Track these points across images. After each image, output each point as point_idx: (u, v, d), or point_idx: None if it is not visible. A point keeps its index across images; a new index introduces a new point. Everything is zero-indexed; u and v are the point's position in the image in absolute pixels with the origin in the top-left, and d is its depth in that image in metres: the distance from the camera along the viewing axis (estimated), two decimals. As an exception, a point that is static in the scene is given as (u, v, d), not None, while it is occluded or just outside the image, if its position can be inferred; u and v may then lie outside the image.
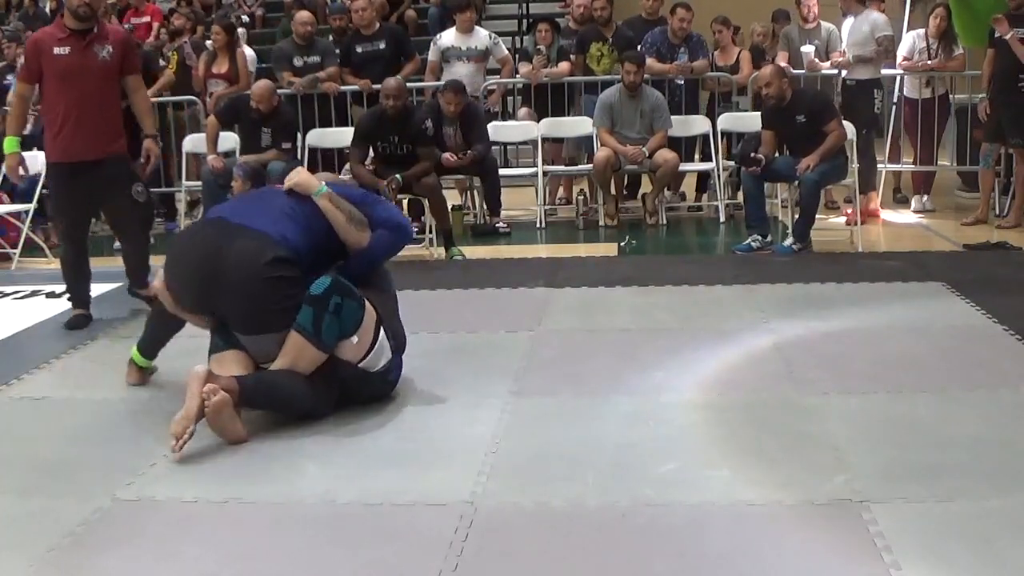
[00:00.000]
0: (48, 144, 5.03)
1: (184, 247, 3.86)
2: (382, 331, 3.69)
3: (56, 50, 4.91)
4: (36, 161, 7.86)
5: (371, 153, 7.31)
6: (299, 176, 3.86)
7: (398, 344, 3.83)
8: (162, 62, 8.57)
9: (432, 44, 8.58)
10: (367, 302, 3.64)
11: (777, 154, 6.85)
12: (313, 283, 3.53)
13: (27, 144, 8.15)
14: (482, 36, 8.48)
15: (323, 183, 3.83)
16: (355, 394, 3.70)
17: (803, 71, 7.93)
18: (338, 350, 3.59)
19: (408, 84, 7.59)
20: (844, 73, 7.98)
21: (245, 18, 11.82)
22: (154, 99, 8.17)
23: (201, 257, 3.63)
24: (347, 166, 7.83)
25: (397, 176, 7.07)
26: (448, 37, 8.47)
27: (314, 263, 3.67)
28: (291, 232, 3.66)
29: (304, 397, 3.57)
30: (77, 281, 5.18)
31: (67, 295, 5.25)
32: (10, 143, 5.02)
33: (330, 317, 3.50)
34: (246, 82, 8.41)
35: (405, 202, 7.89)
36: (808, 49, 7.97)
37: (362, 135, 7.26)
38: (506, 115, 8.92)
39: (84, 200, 5.11)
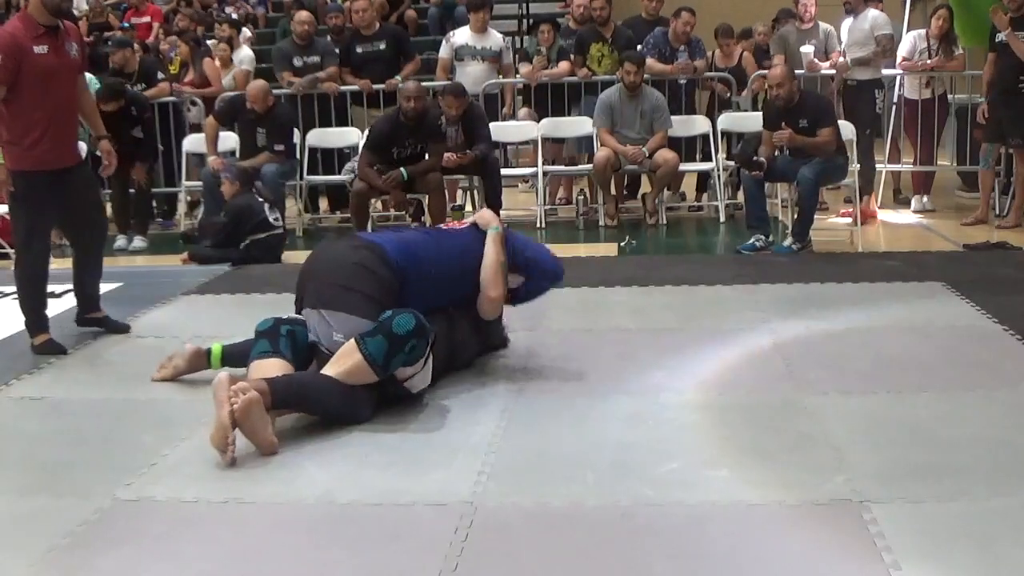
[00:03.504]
0: (20, 152, 4.48)
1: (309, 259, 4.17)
2: (430, 360, 3.72)
3: (36, 49, 4.42)
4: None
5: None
6: (486, 214, 4.28)
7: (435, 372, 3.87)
8: (160, 74, 8.59)
9: (444, 41, 8.59)
10: (430, 338, 3.66)
11: (776, 153, 6.85)
12: (399, 318, 3.53)
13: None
14: (496, 38, 8.51)
15: (498, 225, 4.18)
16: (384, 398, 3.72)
17: (802, 71, 7.92)
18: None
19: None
20: (845, 73, 7.97)
21: (234, 16, 11.82)
22: (155, 99, 8.23)
23: (314, 257, 4.09)
24: (348, 165, 7.84)
25: (401, 170, 7.08)
26: (462, 35, 8.48)
27: (421, 286, 3.89)
28: (406, 252, 3.93)
29: (339, 400, 3.55)
30: (41, 303, 4.74)
31: (30, 321, 4.72)
32: None
33: (403, 355, 3.54)
34: (218, 87, 8.58)
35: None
36: (808, 49, 7.97)
37: (377, 142, 7.25)
38: (504, 114, 8.92)
39: (56, 211, 4.70)
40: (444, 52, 8.50)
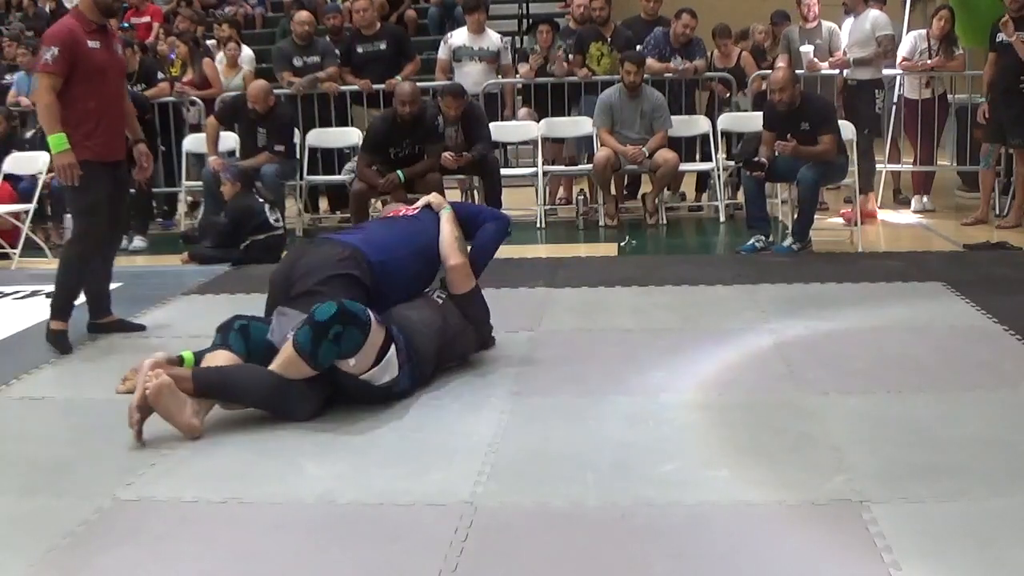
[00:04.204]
0: (77, 143, 4.61)
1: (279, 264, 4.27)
2: (391, 351, 3.70)
3: (90, 43, 4.64)
4: (37, 161, 7.90)
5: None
6: (435, 197, 4.53)
7: (413, 367, 3.84)
8: (160, 74, 8.61)
9: (442, 43, 8.60)
10: (373, 325, 3.62)
11: (776, 153, 6.84)
12: (320, 308, 3.54)
13: (29, 145, 8.25)
14: (494, 38, 8.52)
15: (448, 205, 4.44)
16: (356, 399, 3.72)
17: (803, 71, 7.92)
18: (339, 364, 3.62)
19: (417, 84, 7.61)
20: (846, 73, 7.98)
21: (228, 9, 11.85)
22: (156, 99, 8.24)
23: (288, 261, 4.13)
24: (348, 165, 7.84)
25: (398, 172, 7.08)
26: (460, 36, 8.49)
27: (396, 276, 4.04)
28: (378, 249, 4.02)
29: (269, 392, 3.58)
30: (75, 292, 4.84)
31: (58, 305, 4.78)
32: (60, 140, 4.56)
33: (328, 343, 3.52)
34: (218, 88, 8.61)
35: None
36: (807, 49, 7.97)
37: (375, 143, 7.26)
38: (506, 115, 8.93)
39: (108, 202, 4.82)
40: (442, 54, 8.52)
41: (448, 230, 4.26)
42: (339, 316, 3.52)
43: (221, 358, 3.70)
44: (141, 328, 5.02)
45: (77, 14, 4.74)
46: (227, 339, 3.78)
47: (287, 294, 3.86)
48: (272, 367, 3.60)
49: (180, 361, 4.02)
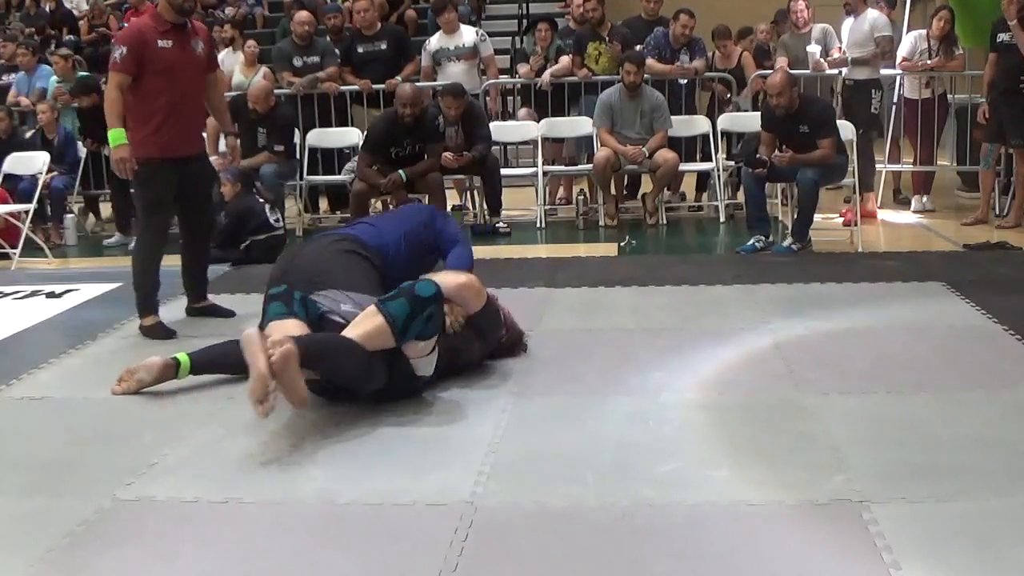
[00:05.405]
0: (142, 138, 4.78)
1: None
2: (436, 348, 3.73)
3: (160, 43, 4.77)
4: (37, 161, 7.90)
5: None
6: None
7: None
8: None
9: (423, 50, 8.60)
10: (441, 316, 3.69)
11: (777, 153, 6.84)
12: (420, 284, 3.57)
13: (29, 145, 8.25)
14: (469, 33, 8.52)
15: (437, 283, 3.77)
16: (388, 385, 3.68)
17: (807, 71, 7.92)
18: (405, 346, 3.63)
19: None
20: (844, 72, 7.99)
21: (228, 10, 11.80)
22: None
23: (293, 253, 4.19)
24: (348, 165, 7.84)
25: (400, 172, 7.09)
26: (436, 40, 8.51)
27: (396, 263, 4.09)
28: (375, 236, 4.12)
29: (357, 364, 3.52)
30: (153, 285, 4.99)
31: (141, 303, 4.97)
32: (119, 135, 4.71)
33: (420, 320, 3.53)
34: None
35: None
36: (814, 49, 7.99)
37: (376, 143, 7.26)
38: (506, 115, 8.92)
39: (174, 196, 4.96)
40: (424, 60, 8.50)
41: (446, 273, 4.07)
42: (436, 297, 3.56)
43: (292, 327, 3.58)
44: (232, 314, 5.19)
45: (153, 14, 4.88)
46: (293, 308, 3.67)
47: (307, 281, 3.82)
48: (351, 336, 3.52)
49: (176, 364, 4.02)
